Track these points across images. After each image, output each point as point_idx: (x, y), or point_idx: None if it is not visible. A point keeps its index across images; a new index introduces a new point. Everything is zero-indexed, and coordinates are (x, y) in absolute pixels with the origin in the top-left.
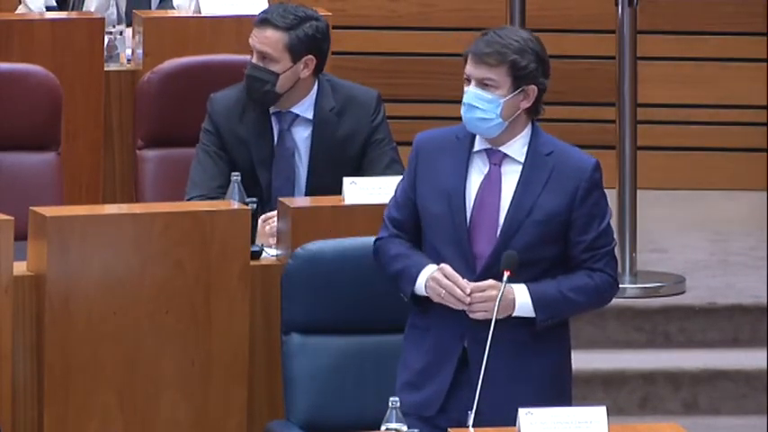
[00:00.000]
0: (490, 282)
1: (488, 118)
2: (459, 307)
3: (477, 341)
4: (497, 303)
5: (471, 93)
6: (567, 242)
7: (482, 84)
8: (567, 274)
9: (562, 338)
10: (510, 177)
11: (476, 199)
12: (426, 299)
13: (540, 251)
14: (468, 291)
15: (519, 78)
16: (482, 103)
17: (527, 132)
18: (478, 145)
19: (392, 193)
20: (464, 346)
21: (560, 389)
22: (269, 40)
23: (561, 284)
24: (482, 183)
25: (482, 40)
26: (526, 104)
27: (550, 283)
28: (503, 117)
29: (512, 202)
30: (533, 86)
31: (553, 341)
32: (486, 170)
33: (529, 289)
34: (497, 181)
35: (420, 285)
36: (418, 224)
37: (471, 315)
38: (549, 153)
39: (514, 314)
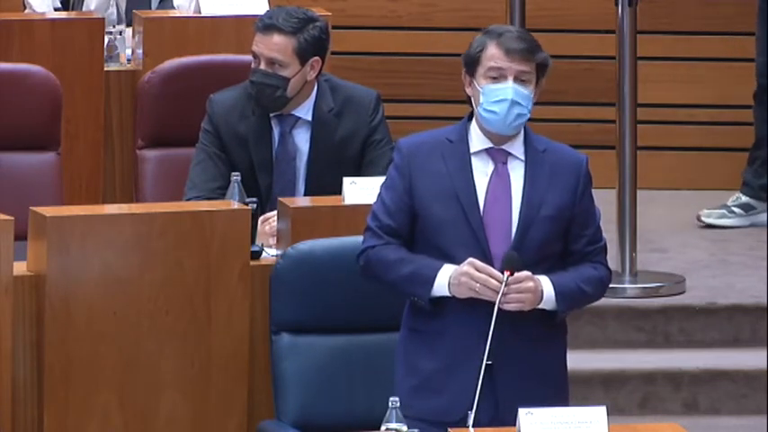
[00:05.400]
0: (527, 273)
1: (525, 113)
2: (496, 298)
3: (501, 342)
4: (498, 300)
5: (512, 89)
6: (570, 236)
7: (520, 79)
8: (574, 267)
9: (565, 334)
10: (515, 174)
11: (486, 198)
12: (440, 301)
13: (552, 247)
14: (502, 279)
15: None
16: (523, 99)
17: (522, 131)
18: (478, 146)
19: None
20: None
21: (562, 386)
22: (277, 45)
23: (575, 276)
24: (491, 181)
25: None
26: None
27: (565, 275)
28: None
29: (522, 198)
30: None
31: (559, 337)
32: (488, 169)
33: (551, 281)
34: (506, 179)
35: (441, 286)
36: (413, 230)
37: (505, 306)
38: (544, 150)
39: (540, 306)
